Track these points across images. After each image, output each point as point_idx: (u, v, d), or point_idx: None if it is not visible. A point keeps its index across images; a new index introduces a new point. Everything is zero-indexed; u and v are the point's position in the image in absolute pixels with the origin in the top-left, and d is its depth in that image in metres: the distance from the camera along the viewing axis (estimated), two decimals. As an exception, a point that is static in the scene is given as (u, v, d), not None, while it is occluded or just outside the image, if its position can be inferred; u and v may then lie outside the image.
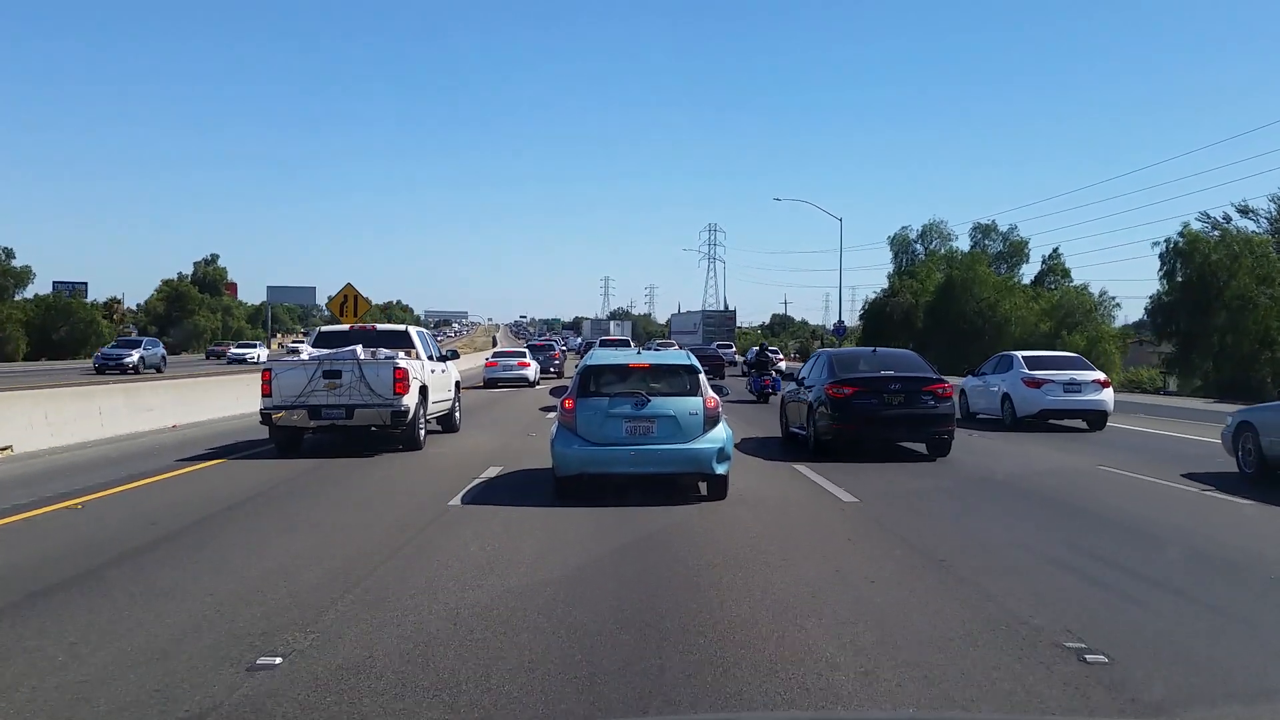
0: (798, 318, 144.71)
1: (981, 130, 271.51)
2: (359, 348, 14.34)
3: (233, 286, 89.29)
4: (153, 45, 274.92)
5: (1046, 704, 4.23)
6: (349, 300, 27.64)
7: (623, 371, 9.92)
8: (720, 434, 9.57)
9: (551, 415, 11.26)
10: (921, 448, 14.07)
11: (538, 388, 32.23)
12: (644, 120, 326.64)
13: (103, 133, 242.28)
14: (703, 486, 9.95)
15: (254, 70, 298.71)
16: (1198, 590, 6.40)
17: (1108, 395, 18.92)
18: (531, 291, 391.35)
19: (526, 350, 38.42)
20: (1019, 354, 20.29)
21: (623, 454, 9.40)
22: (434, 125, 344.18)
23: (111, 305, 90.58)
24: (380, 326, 16.55)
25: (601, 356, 10.50)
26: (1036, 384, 18.75)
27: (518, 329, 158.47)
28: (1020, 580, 6.49)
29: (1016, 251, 66.89)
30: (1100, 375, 19.42)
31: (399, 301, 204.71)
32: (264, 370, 14.15)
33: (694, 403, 9.54)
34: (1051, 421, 18.96)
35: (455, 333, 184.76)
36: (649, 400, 9.46)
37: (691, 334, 76.77)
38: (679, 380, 9.79)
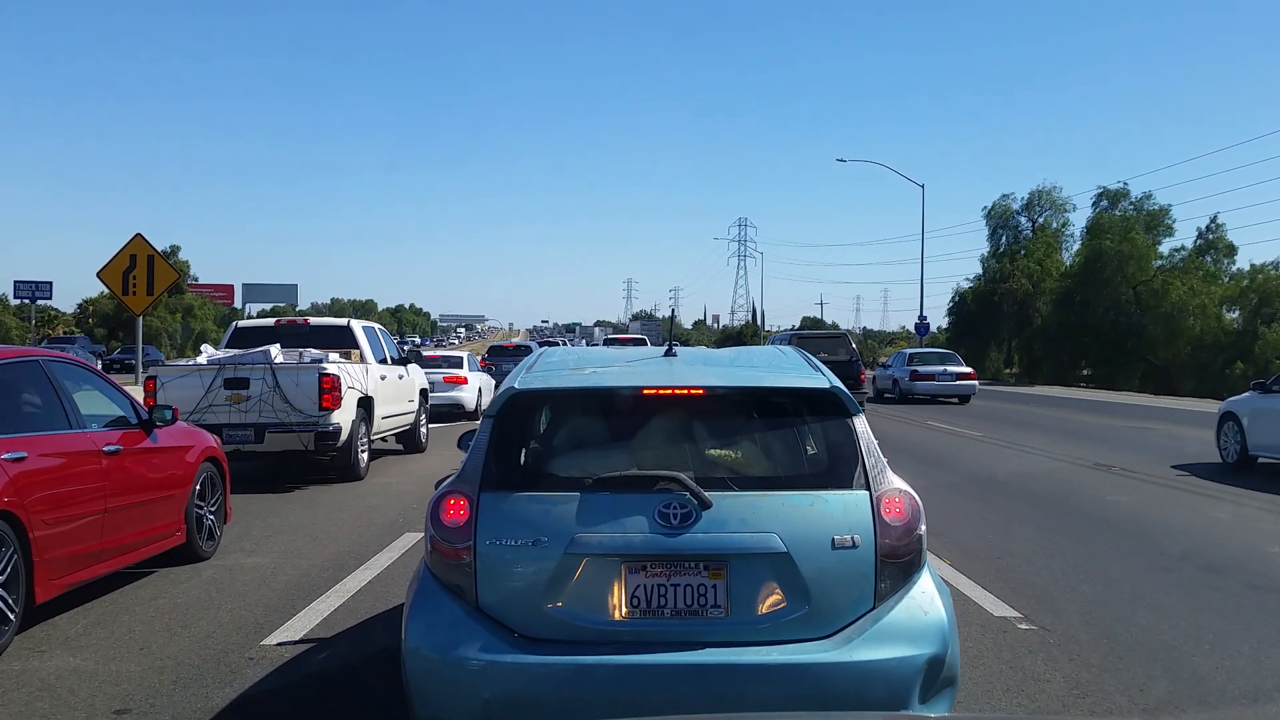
0: (829, 320, 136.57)
1: (1070, 86, 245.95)
2: (274, 348, 10.78)
3: (229, 289, 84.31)
4: (163, 54, 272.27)
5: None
6: (137, 263, 16.19)
7: (626, 410, 3.46)
8: (931, 610, 3.13)
9: None
10: None
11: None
12: (670, 121, 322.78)
13: (112, 140, 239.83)
14: None
15: (268, 79, 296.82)
16: None
17: (974, 381, 28.19)
18: (554, 296, 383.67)
19: (465, 357, 21.24)
20: (906, 350, 30.26)
21: (626, 677, 2.97)
22: (450, 132, 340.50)
23: (86, 307, 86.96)
24: (315, 321, 12.89)
25: (558, 368, 3.91)
26: (920, 377, 27.04)
27: (537, 333, 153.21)
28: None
29: (1155, 223, 51.54)
30: (968, 370, 28.15)
31: (412, 305, 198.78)
32: (148, 379, 10.65)
33: (844, 506, 3.16)
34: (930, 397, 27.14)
35: (468, 337, 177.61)
36: (705, 504, 3.08)
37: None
38: (793, 436, 3.54)
